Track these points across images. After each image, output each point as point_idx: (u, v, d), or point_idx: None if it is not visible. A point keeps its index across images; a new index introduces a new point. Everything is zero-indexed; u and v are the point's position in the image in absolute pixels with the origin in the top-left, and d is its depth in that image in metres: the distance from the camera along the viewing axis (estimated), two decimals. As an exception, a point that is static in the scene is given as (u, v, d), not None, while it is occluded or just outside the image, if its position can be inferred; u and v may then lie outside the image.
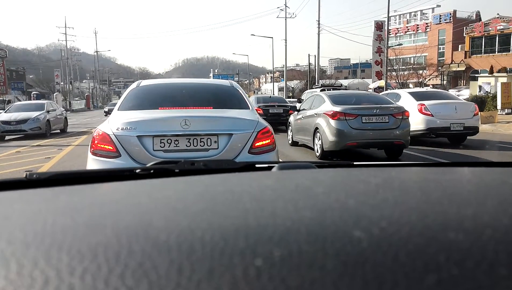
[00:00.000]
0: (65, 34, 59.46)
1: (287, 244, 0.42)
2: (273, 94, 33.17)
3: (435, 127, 9.41)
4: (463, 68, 38.60)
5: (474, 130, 9.67)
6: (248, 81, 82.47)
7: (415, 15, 47.19)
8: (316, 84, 29.18)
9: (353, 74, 72.49)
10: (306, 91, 20.87)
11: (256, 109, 4.45)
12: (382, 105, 7.70)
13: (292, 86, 48.45)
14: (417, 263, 0.38)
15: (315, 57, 35.05)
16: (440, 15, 43.99)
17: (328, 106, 7.77)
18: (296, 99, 21.85)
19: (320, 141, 7.75)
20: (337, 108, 7.49)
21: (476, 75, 31.41)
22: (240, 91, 4.31)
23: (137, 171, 1.06)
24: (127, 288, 0.35)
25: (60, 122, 16.21)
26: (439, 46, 43.62)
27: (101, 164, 3.26)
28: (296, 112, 9.89)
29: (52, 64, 77.09)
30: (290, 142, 10.23)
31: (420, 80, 33.68)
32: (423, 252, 0.41)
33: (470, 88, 25.67)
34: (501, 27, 36.06)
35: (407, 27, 47.43)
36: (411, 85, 32.51)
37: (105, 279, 0.37)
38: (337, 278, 0.36)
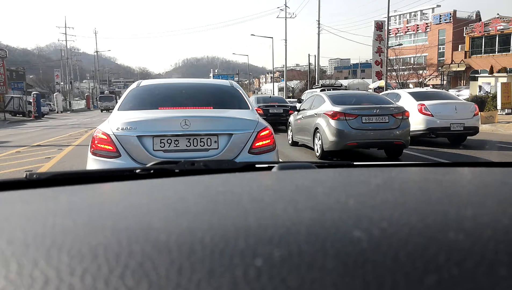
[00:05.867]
0: (65, 34, 59.55)
1: (287, 245, 0.42)
2: (273, 94, 33.21)
3: (435, 127, 9.41)
4: (463, 68, 38.61)
5: (474, 130, 9.67)
6: (248, 81, 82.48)
7: (415, 15, 47.20)
8: (316, 84, 29.19)
9: (353, 74, 72.57)
10: (306, 91, 20.88)
11: (256, 109, 4.45)
12: (382, 105, 7.69)
13: (292, 86, 48.48)
14: (417, 264, 0.38)
15: (315, 57, 35.08)
16: (440, 15, 44.02)
17: (328, 106, 7.77)
18: (296, 99, 21.86)
19: (320, 141, 7.75)
20: (337, 108, 7.49)
21: (476, 75, 31.41)
22: (240, 91, 4.31)
23: (137, 171, 1.06)
24: (127, 289, 0.35)
25: None
26: (439, 46, 43.64)
27: (101, 164, 3.26)
28: (296, 112, 9.89)
29: (52, 64, 77.17)
30: (290, 142, 10.23)
31: (420, 80, 33.69)
32: (423, 252, 0.41)
33: (470, 88, 25.67)
34: (501, 27, 36.07)
35: (407, 27, 47.44)
36: (411, 85, 32.53)
37: (105, 280, 0.37)
38: (337, 278, 0.36)
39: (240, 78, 71.84)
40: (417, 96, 10.13)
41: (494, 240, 0.43)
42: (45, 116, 35.43)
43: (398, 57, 32.66)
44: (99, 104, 50.95)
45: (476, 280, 0.36)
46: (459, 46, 40.42)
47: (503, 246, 0.42)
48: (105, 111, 45.26)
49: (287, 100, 20.04)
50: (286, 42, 39.45)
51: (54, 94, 50.54)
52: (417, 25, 46.53)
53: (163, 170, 1.09)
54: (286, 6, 39.65)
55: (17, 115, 33.70)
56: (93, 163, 3.33)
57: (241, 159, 3.34)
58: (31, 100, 33.02)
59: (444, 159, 7.41)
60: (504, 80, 21.02)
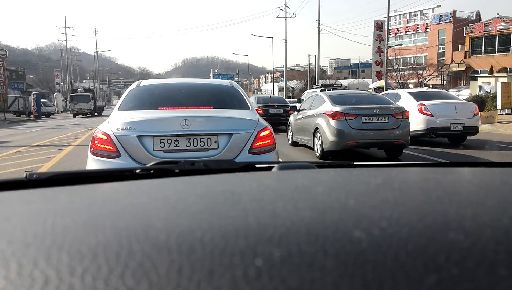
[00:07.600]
0: (65, 34, 59.53)
1: (287, 244, 0.42)
2: (273, 94, 33.21)
3: (435, 127, 9.41)
4: (463, 68, 38.59)
5: (474, 130, 9.67)
6: (248, 81, 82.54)
7: (415, 15, 47.18)
8: (316, 84, 29.20)
9: (353, 74, 72.61)
10: (306, 91, 20.88)
11: (256, 109, 4.45)
12: (382, 105, 7.70)
13: (292, 86, 48.50)
14: (417, 263, 0.38)
15: (315, 57, 35.06)
16: (440, 15, 44.00)
17: (328, 106, 7.77)
18: (296, 99, 21.86)
19: (320, 141, 7.75)
20: (337, 108, 7.49)
21: (476, 75, 31.40)
22: (240, 91, 4.31)
23: (137, 171, 1.06)
24: (127, 288, 0.35)
25: None
26: (439, 46, 43.62)
27: (101, 164, 3.26)
28: (296, 112, 9.89)
29: (52, 64, 77.20)
30: (290, 142, 10.22)
31: (420, 80, 33.68)
32: (423, 252, 0.41)
33: (470, 88, 25.66)
34: (501, 27, 36.06)
35: (407, 27, 47.41)
36: (411, 85, 32.53)
37: (105, 279, 0.37)
38: (337, 278, 0.36)
39: (240, 78, 71.78)
40: (417, 96, 10.13)
41: (494, 240, 0.43)
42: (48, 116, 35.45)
43: (398, 57, 32.65)
44: (69, 107, 37.08)
45: (476, 280, 0.36)
46: (459, 46, 40.41)
47: (503, 246, 0.42)
48: (81, 116, 33.57)
49: (287, 100, 20.04)
50: (286, 42, 39.47)
51: (54, 94, 50.55)
52: (417, 25, 46.50)
53: (163, 170, 1.09)
54: (286, 6, 39.67)
55: (22, 115, 33.79)
56: (93, 163, 3.33)
57: (241, 159, 3.34)
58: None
59: (444, 159, 7.41)
60: (504, 80, 21.00)
